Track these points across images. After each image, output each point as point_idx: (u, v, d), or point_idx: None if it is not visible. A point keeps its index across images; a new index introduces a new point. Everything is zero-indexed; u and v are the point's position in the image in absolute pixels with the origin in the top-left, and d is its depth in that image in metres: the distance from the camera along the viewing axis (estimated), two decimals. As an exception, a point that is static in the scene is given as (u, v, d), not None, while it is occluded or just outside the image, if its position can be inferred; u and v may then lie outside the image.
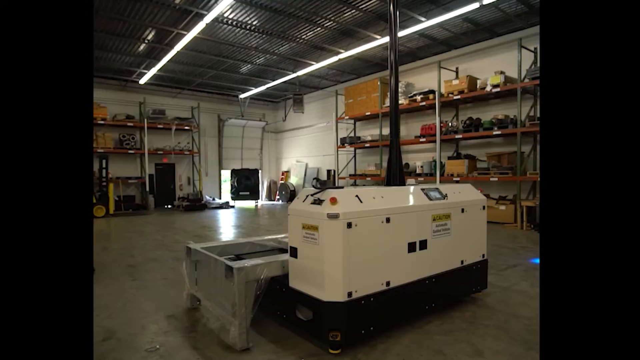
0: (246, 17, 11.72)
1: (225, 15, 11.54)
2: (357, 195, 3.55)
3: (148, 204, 18.65)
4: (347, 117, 17.25)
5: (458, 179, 12.82)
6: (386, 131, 16.08)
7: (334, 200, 3.37)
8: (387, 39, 12.32)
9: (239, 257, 4.42)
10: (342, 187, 3.76)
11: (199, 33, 12.08)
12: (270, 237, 5.34)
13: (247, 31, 12.74)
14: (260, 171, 23.01)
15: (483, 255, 4.80)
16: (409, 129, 16.02)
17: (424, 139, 14.00)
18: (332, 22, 12.04)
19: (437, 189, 4.38)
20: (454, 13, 10.61)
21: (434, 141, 13.38)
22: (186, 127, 19.94)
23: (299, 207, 3.69)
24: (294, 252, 3.70)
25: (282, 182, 22.87)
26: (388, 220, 3.66)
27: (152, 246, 8.87)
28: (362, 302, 3.44)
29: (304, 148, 22.30)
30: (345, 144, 17.37)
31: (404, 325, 3.93)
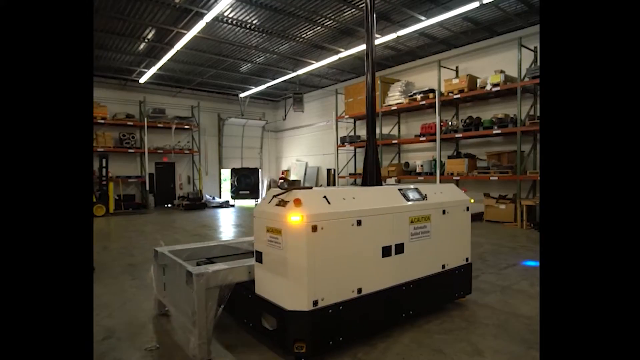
0: (246, 16, 11.72)
1: (225, 14, 11.53)
2: (325, 196, 3.31)
3: (148, 203, 18.66)
4: (347, 116, 17.23)
5: (458, 178, 12.83)
6: (386, 130, 16.11)
7: (297, 202, 3.13)
8: (387, 37, 12.42)
9: (210, 261, 4.24)
10: (310, 188, 3.52)
11: (199, 32, 12.07)
12: (246, 238, 5.08)
13: (247, 30, 12.73)
14: (260, 170, 23.01)
15: (467, 259, 4.56)
16: (409, 128, 16.01)
17: (424, 138, 13.99)
18: (332, 21, 12.03)
19: (416, 189, 4.14)
20: (454, 12, 10.61)
21: (434, 140, 13.36)
22: (186, 126, 19.93)
23: (263, 208, 3.47)
24: (259, 257, 3.48)
25: (282, 181, 22.86)
26: (359, 222, 3.42)
27: (152, 245, 8.83)
28: (330, 311, 3.20)
29: (304, 147, 22.30)
30: (345, 143, 17.36)
31: (404, 325, 3.93)
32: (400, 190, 4.01)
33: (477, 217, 12.49)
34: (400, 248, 3.78)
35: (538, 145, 11.19)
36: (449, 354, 3.40)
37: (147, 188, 18.74)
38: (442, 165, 13.43)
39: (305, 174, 21.64)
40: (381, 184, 4.53)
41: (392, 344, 3.57)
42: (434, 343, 3.60)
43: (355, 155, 18.32)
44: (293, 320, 3.12)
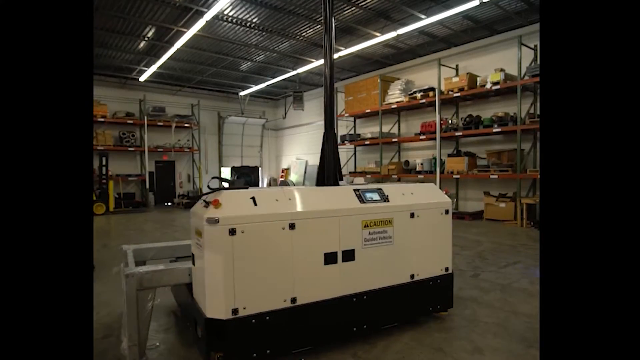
0: (246, 14, 11.71)
1: (225, 12, 11.52)
2: (253, 197, 3.08)
3: (148, 202, 18.66)
4: (347, 115, 17.24)
5: (458, 176, 12.84)
6: (386, 128, 16.10)
7: (216, 203, 2.94)
8: (387, 36, 12.40)
9: (177, 260, 4.17)
10: (245, 188, 3.30)
11: (199, 30, 12.06)
12: None
13: (247, 29, 12.72)
14: (260, 169, 23.02)
15: (446, 269, 4.06)
16: (409, 126, 16.01)
17: (424, 137, 14.00)
18: (332, 19, 12.00)
19: (378, 189, 3.78)
20: (454, 10, 10.60)
21: (434, 138, 13.37)
22: (186, 125, 19.92)
23: (194, 209, 3.33)
24: (193, 259, 3.33)
25: (282, 179, 22.86)
26: (292, 226, 3.14)
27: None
28: (253, 321, 2.97)
29: (304, 145, 22.29)
30: (345, 142, 17.35)
31: (403, 323, 3.94)
32: (356, 190, 3.66)
33: (477, 216, 12.52)
34: (349, 255, 3.44)
35: (538, 144, 11.18)
36: (449, 352, 3.40)
37: (147, 186, 18.74)
38: (442, 163, 13.43)
39: (305, 172, 21.63)
40: (337, 184, 4.15)
41: (393, 343, 3.57)
42: (434, 341, 3.60)
43: (355, 153, 18.32)
44: (210, 328, 2.92)
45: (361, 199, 3.60)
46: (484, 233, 9.77)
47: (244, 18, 11.97)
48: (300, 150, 22.69)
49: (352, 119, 18.10)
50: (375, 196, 3.70)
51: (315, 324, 3.29)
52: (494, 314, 4.26)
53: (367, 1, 10.94)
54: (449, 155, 13.72)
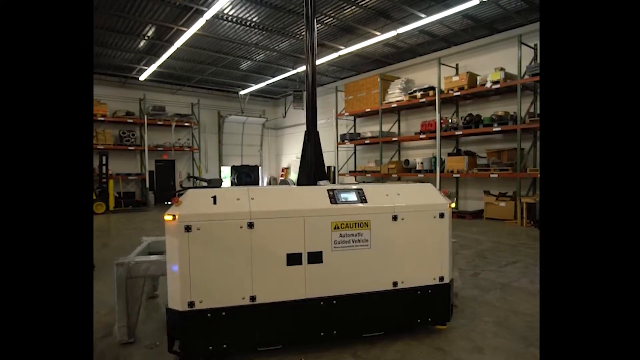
0: (246, 13, 11.70)
1: (225, 11, 11.51)
2: (214, 197, 3.19)
3: (148, 201, 18.65)
4: (347, 114, 17.22)
5: (458, 175, 12.84)
6: (386, 127, 16.10)
7: (176, 201, 3.13)
8: (387, 35, 12.39)
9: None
10: (216, 187, 3.33)
11: (199, 30, 12.05)
12: None
13: (247, 28, 12.71)
14: (260, 168, 23.00)
15: (441, 279, 3.70)
16: (409, 125, 16.00)
17: (424, 136, 13.99)
18: (332, 18, 12.01)
19: (358, 189, 3.60)
20: (454, 9, 10.59)
21: (434, 138, 13.37)
22: (186, 124, 19.91)
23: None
24: None
25: (282, 178, 22.86)
26: (251, 225, 3.16)
27: (152, 243, 8.86)
28: (209, 315, 3.10)
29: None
30: (345, 141, 17.34)
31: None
32: (330, 190, 3.53)
33: (477, 215, 12.52)
34: (316, 257, 3.35)
35: (538, 143, 11.17)
36: (449, 351, 3.40)
37: (147, 185, 18.74)
38: (442, 162, 13.44)
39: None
40: (315, 183, 4.07)
41: (392, 342, 3.57)
42: (434, 341, 3.60)
43: (355, 152, 18.32)
44: (171, 318, 3.13)
45: (333, 199, 3.47)
46: (484, 232, 9.78)
47: (243, 17, 11.96)
48: (300, 149, 22.57)
49: (352, 118, 18.08)
50: (352, 197, 3.53)
51: (280, 324, 3.30)
52: (494, 313, 4.26)
53: (367, 0, 10.92)
54: (449, 155, 13.71)
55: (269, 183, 24.11)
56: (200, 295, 3.09)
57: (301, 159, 4.14)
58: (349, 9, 11.43)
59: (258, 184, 21.48)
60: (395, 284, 3.57)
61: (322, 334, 3.41)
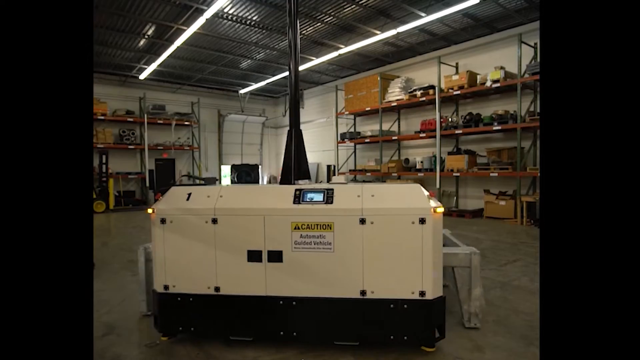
0: (246, 12, 11.68)
1: (225, 10, 11.49)
2: (189, 193, 3.57)
3: (148, 200, 18.64)
4: (347, 113, 17.21)
5: (458, 174, 12.84)
6: (386, 126, 16.10)
7: (157, 196, 3.66)
8: (387, 34, 12.39)
9: None
10: (204, 185, 3.71)
11: (199, 28, 12.03)
12: None
13: (247, 26, 12.69)
14: (260, 166, 23.00)
15: (422, 294, 3.21)
16: (409, 124, 15.99)
17: (424, 135, 13.99)
18: (332, 17, 12.00)
19: (327, 190, 3.41)
20: (454, 8, 10.56)
21: (434, 136, 13.37)
22: (186, 123, 19.88)
23: None
24: None
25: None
26: (215, 221, 3.40)
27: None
28: (179, 299, 3.50)
29: (304, 143, 22.22)
30: (345, 140, 17.33)
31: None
32: (298, 190, 3.46)
33: (477, 214, 12.52)
34: (277, 256, 3.34)
35: (538, 142, 11.17)
36: (449, 351, 3.40)
37: (147, 184, 18.73)
38: (442, 161, 13.43)
39: (305, 170, 21.56)
40: (293, 182, 4.06)
41: (392, 340, 3.56)
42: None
43: (355, 151, 18.31)
44: (153, 297, 3.63)
45: (298, 199, 3.38)
46: (484, 231, 9.78)
47: (243, 16, 11.95)
48: (300, 148, 22.62)
49: (352, 116, 18.07)
50: (317, 197, 3.37)
51: (245, 317, 3.47)
52: (494, 312, 4.26)
53: (367, -1, 10.93)
54: (449, 153, 13.71)
55: (269, 182, 24.12)
56: (174, 280, 3.51)
57: (284, 159, 4.24)
58: (349, 8, 11.42)
59: (258, 183, 21.48)
60: (363, 292, 3.27)
61: (281, 333, 3.40)
